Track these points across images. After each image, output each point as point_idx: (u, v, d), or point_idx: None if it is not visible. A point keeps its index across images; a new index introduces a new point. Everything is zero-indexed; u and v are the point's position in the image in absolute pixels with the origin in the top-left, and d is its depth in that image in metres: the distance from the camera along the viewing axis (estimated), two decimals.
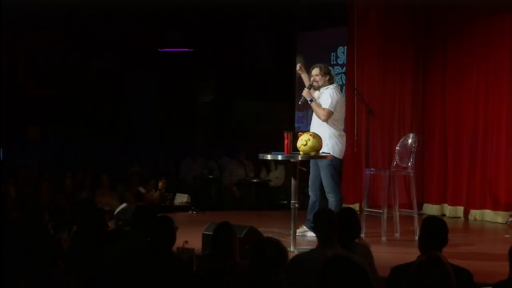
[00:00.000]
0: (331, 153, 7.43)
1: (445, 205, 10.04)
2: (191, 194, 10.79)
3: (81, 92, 12.94)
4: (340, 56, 11.64)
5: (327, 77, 7.64)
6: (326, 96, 7.53)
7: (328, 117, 7.50)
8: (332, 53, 11.75)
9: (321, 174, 7.53)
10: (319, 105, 7.55)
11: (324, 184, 7.52)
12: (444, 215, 9.86)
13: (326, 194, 7.55)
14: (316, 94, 7.66)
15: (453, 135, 9.97)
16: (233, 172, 12.12)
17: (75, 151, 12.10)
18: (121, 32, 12.67)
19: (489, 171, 9.49)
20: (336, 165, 7.57)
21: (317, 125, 7.57)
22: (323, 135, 7.41)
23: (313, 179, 7.67)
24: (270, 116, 12.61)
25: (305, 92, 7.60)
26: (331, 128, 7.53)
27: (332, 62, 11.55)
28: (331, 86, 7.62)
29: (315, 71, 7.68)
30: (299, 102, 7.77)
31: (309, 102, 7.58)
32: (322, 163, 7.47)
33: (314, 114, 7.70)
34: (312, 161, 7.60)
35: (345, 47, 11.07)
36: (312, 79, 7.67)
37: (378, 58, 10.29)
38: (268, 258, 3.79)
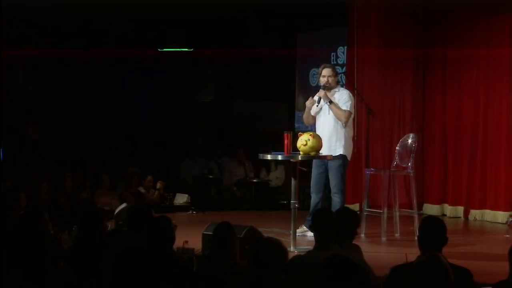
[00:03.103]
0: (346, 155, 7.46)
1: (445, 205, 10.04)
2: (191, 194, 10.79)
3: (81, 92, 12.93)
4: (340, 56, 11.63)
5: (337, 79, 7.67)
6: (345, 98, 7.53)
7: (349, 118, 7.52)
8: (332, 53, 11.74)
9: (330, 175, 7.51)
10: (339, 107, 7.52)
11: (332, 185, 7.51)
12: (444, 215, 9.86)
13: (331, 194, 7.55)
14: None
15: (453, 135, 9.97)
16: (233, 172, 12.12)
17: (75, 151, 12.10)
18: (122, 31, 12.66)
19: (489, 171, 9.49)
20: (346, 166, 7.59)
21: (329, 126, 7.53)
22: (339, 135, 7.43)
23: (316, 180, 7.65)
24: (270, 116, 12.61)
25: (322, 94, 7.52)
26: (349, 130, 7.56)
27: (332, 62, 11.54)
28: (343, 88, 7.66)
29: (327, 71, 7.62)
30: (316, 105, 7.58)
31: (328, 104, 7.53)
32: (334, 164, 7.45)
33: (323, 115, 7.64)
34: (316, 162, 7.58)
35: (345, 47, 11.07)
36: (324, 80, 7.60)
37: (378, 58, 10.29)
38: (268, 258, 3.79)
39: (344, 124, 7.52)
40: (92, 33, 12.61)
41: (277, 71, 13.01)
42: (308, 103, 7.66)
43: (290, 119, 12.02)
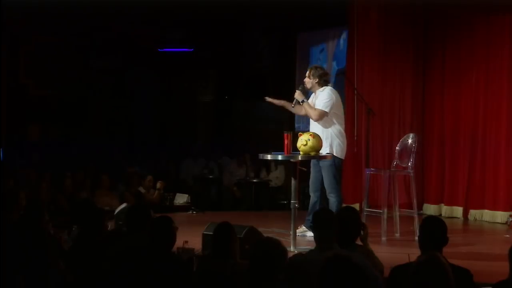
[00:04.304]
0: (334, 153, 7.44)
1: (445, 205, 10.04)
2: (191, 194, 10.79)
3: (81, 92, 12.95)
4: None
5: (316, 80, 7.59)
6: (323, 97, 7.52)
7: (320, 117, 7.49)
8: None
9: (322, 174, 7.53)
10: (311, 106, 7.54)
11: (325, 185, 7.52)
12: (440, 215, 9.84)
13: (327, 194, 7.55)
14: (311, 97, 7.67)
15: (453, 135, 9.97)
16: (233, 172, 12.12)
17: (75, 151, 12.10)
18: (121, 32, 12.67)
19: (489, 171, 9.49)
20: (338, 166, 7.56)
21: (319, 125, 7.55)
22: (325, 135, 7.41)
23: (313, 179, 7.67)
24: (270, 116, 12.61)
25: (297, 94, 7.59)
26: (334, 129, 7.53)
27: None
28: (328, 88, 7.61)
29: (307, 72, 7.69)
30: (292, 105, 7.67)
31: (301, 103, 7.57)
32: (324, 164, 7.46)
33: None
34: (313, 162, 7.60)
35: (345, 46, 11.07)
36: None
37: (378, 58, 10.29)
38: (268, 258, 3.79)
39: (326, 124, 7.51)
40: (92, 33, 12.60)
41: (277, 71, 13.01)
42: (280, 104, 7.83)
43: (290, 119, 12.01)
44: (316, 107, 7.51)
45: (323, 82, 7.60)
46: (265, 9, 10.82)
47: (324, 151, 7.37)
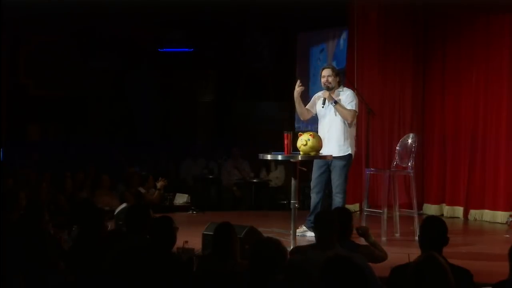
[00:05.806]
0: (350, 153, 7.48)
1: (445, 205, 10.04)
2: (191, 194, 10.78)
3: (81, 92, 12.95)
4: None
5: (338, 79, 7.64)
6: (349, 98, 7.54)
7: (355, 118, 7.56)
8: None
9: (334, 174, 7.52)
10: (344, 107, 7.53)
11: (335, 184, 7.52)
12: (442, 215, 9.85)
13: (333, 194, 7.56)
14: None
15: (453, 135, 9.97)
16: (231, 172, 12.11)
17: (75, 151, 12.11)
18: (121, 32, 12.67)
19: (489, 170, 9.49)
20: (350, 166, 7.61)
21: (336, 126, 7.54)
22: (344, 135, 7.46)
23: (317, 180, 7.64)
24: (270, 116, 12.61)
25: (327, 95, 7.54)
26: (352, 129, 7.58)
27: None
28: (346, 88, 7.69)
29: (327, 71, 7.62)
30: (322, 106, 7.61)
31: (334, 105, 7.53)
32: (339, 164, 7.46)
33: (329, 115, 7.62)
34: (317, 162, 7.58)
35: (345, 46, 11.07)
36: (324, 80, 7.62)
37: (378, 58, 10.30)
38: (268, 258, 3.79)
39: (349, 124, 7.54)
40: (92, 33, 12.60)
41: (277, 71, 13.01)
42: (295, 93, 7.60)
43: (290, 119, 12.01)
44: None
45: (342, 82, 7.69)
46: (265, 9, 10.82)
47: (347, 151, 7.47)
